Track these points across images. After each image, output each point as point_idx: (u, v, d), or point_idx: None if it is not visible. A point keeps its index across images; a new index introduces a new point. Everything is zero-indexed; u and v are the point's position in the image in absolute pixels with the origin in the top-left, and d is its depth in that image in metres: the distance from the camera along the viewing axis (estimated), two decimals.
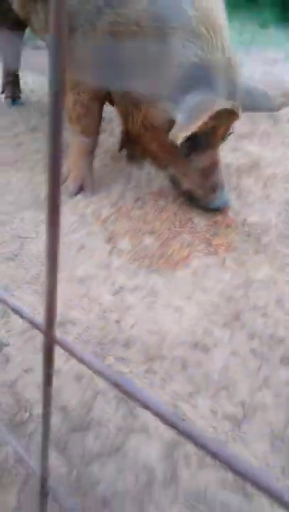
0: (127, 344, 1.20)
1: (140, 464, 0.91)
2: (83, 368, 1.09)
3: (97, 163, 2.09)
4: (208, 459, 0.92)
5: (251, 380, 1.14)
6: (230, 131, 1.60)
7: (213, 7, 1.45)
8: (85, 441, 0.94)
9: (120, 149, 2.28)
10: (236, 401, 1.08)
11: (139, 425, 0.98)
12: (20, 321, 1.19)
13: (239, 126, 2.78)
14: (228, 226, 1.84)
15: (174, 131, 1.41)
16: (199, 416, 1.02)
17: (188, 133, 1.35)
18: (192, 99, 1.38)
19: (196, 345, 1.23)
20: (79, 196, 1.91)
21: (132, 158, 2.17)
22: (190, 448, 0.92)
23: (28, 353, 1.12)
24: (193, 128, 1.34)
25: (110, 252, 1.56)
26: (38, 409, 0.97)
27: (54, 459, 0.87)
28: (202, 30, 1.40)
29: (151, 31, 1.42)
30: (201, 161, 1.58)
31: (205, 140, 1.51)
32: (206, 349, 1.22)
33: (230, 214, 1.89)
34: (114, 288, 1.40)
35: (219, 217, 1.86)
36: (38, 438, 0.91)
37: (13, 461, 0.87)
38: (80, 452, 0.91)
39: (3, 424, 0.89)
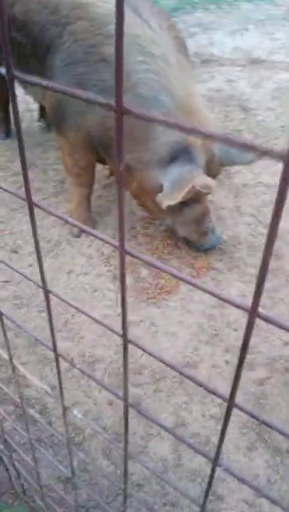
0: (140, 371, 1.71)
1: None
2: None
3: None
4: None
5: (227, 385, 1.66)
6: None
7: (189, 93, 1.77)
8: None
9: (110, 175, 2.66)
10: (217, 403, 1.60)
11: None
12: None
13: (212, 128, 3.11)
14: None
15: (160, 197, 1.79)
16: (193, 419, 1.55)
17: (173, 203, 1.73)
18: (174, 169, 1.75)
19: (187, 364, 1.74)
20: (82, 237, 2.34)
21: None
22: None
23: None
24: (177, 199, 1.72)
25: (117, 291, 2.03)
26: None
27: None
28: (180, 115, 1.73)
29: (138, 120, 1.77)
30: (191, 213, 1.94)
31: (192, 198, 1.82)
32: (194, 365, 1.73)
33: None
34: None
35: None
36: None
37: None
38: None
39: None
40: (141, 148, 1.78)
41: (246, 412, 0.49)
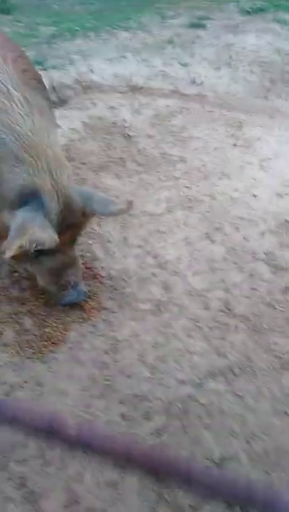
0: (25, 443, 1.51)
1: None
2: None
3: None
4: None
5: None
6: (76, 237, 1.78)
7: (37, 130, 1.60)
8: None
9: None
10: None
11: None
12: None
13: (95, 157, 3.03)
14: (97, 281, 2.16)
15: (4, 245, 1.57)
16: (87, 491, 1.39)
17: (11, 254, 1.51)
18: (19, 215, 1.55)
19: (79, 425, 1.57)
20: None
21: None
22: None
23: None
24: (13, 250, 1.50)
25: None
26: None
27: None
28: (25, 156, 1.57)
29: None
30: (49, 262, 1.74)
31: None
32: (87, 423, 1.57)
33: (97, 266, 2.20)
34: (5, 388, 1.67)
35: (86, 272, 2.17)
36: None
37: None
38: None
39: None
40: None
41: None
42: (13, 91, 1.60)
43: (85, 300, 1.95)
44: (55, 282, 1.81)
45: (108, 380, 1.72)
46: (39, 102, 1.69)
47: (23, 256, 1.67)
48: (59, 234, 1.62)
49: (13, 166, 1.57)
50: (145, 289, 2.12)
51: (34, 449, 1.50)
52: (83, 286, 1.89)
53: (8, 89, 1.59)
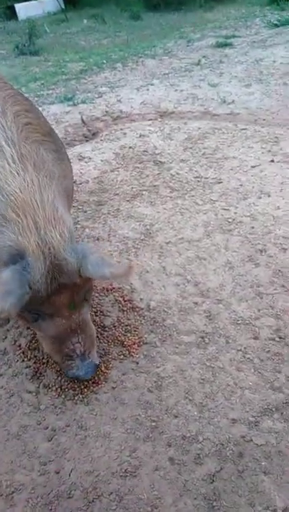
0: (69, 493, 1.43)
1: None
2: None
3: None
4: None
5: (174, 491, 1.41)
6: (76, 299, 1.55)
7: (26, 189, 1.50)
8: None
9: None
10: None
11: None
12: None
13: (128, 186, 3.01)
14: (136, 313, 2.09)
15: None
16: None
17: None
18: (2, 276, 1.42)
19: (125, 472, 1.48)
20: None
21: None
22: None
23: None
24: None
25: (37, 392, 1.76)
26: None
27: None
28: (11, 215, 1.46)
29: None
30: (48, 328, 1.55)
31: (43, 310, 1.50)
32: (133, 472, 1.47)
33: (135, 298, 2.13)
34: (48, 433, 1.61)
35: (124, 305, 2.10)
36: None
37: None
38: None
39: None
40: None
41: None
42: (6, 147, 1.54)
43: (100, 363, 1.76)
44: (58, 351, 1.59)
45: (154, 421, 1.62)
46: (38, 156, 1.60)
47: (21, 319, 1.59)
48: (50, 296, 1.47)
49: (1, 225, 1.47)
50: (187, 319, 2.02)
51: (80, 500, 1.41)
52: (95, 358, 1.65)
53: (0, 146, 1.54)
